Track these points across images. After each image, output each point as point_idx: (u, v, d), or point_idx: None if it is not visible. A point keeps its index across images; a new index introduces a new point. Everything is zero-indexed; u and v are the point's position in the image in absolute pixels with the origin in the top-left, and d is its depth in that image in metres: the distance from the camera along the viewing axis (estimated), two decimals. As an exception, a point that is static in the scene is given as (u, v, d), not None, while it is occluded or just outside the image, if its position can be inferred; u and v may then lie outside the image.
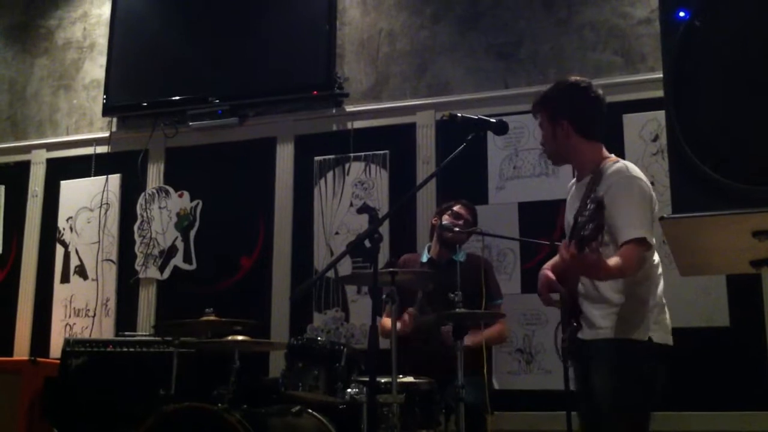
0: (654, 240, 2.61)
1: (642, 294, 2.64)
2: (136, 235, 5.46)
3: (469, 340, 3.60)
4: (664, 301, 2.71)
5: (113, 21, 5.72)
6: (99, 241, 5.49)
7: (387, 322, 3.84)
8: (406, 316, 3.74)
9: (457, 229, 3.94)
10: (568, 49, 4.78)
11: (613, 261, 2.48)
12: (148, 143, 5.50)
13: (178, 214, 5.41)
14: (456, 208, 4.10)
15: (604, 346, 2.63)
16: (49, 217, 5.68)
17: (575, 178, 2.92)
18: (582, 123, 2.79)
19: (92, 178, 5.61)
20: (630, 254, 2.52)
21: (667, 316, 2.71)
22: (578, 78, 2.90)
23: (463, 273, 3.56)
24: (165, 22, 5.66)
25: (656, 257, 2.72)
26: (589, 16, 4.79)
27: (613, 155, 2.82)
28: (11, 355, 5.43)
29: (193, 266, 5.31)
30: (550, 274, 2.78)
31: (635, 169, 2.71)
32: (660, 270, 2.72)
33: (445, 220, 4.04)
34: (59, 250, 5.60)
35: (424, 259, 4.13)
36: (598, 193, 2.58)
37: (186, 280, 5.29)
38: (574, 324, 2.67)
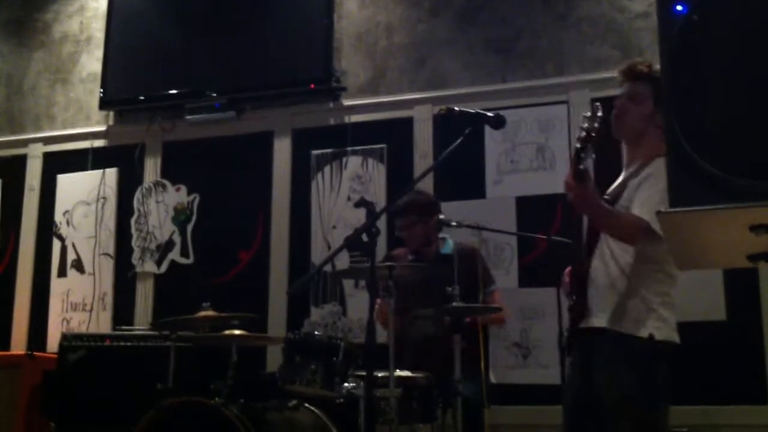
0: (660, 235, 2.57)
1: (649, 290, 2.62)
2: (133, 230, 5.45)
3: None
4: (672, 298, 2.66)
5: (110, 14, 5.70)
6: (96, 236, 5.49)
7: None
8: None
9: (454, 223, 3.93)
10: (566, 44, 4.77)
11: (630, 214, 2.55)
12: (145, 137, 5.49)
13: (175, 209, 5.40)
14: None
15: (605, 339, 2.62)
16: (46, 211, 5.67)
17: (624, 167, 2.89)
18: None
19: (89, 172, 5.60)
20: (634, 220, 2.54)
21: (673, 313, 2.65)
22: None
23: (458, 265, 3.55)
24: (162, 15, 5.65)
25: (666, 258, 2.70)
26: (587, 10, 4.78)
27: None
28: (8, 349, 5.43)
29: (191, 260, 5.31)
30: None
31: None
32: (674, 269, 2.65)
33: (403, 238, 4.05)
34: (56, 244, 5.59)
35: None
36: (634, 183, 2.61)
37: (183, 275, 5.29)
38: (574, 306, 2.68)
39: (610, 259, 2.67)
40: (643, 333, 2.58)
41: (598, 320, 2.65)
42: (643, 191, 2.61)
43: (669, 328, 2.63)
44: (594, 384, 2.62)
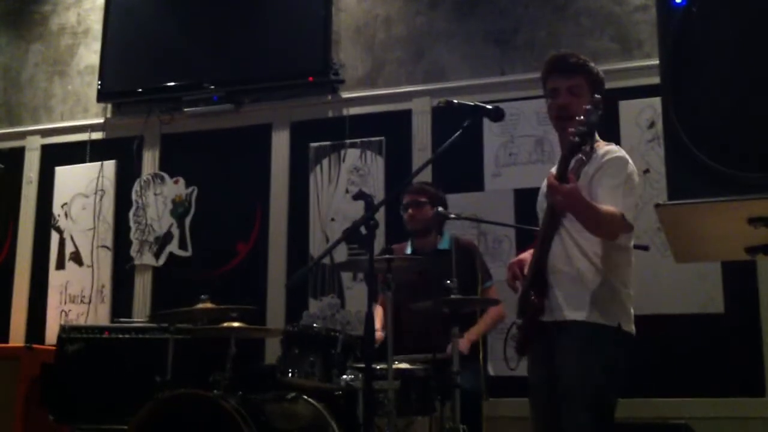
0: (632, 225, 2.58)
1: (618, 279, 2.62)
2: (131, 222, 5.45)
3: (467, 342, 3.62)
4: (632, 291, 2.69)
5: (108, 6, 5.69)
6: (94, 228, 5.48)
7: (379, 312, 3.87)
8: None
9: (452, 215, 3.93)
10: (565, 36, 4.76)
11: (605, 207, 2.48)
12: (143, 129, 5.48)
13: (173, 201, 5.40)
14: (405, 200, 4.07)
15: (575, 328, 2.59)
16: (44, 204, 5.67)
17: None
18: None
19: (87, 164, 5.60)
20: (614, 216, 2.51)
21: (632, 306, 2.68)
22: None
23: (456, 260, 3.55)
24: (160, 7, 5.63)
25: (631, 246, 2.72)
26: (585, 2, 4.77)
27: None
28: (7, 341, 5.43)
29: (189, 253, 5.31)
30: (525, 255, 2.80)
31: (627, 155, 2.71)
32: (633, 260, 2.72)
33: (405, 217, 4.03)
34: (54, 237, 5.59)
35: (409, 251, 4.11)
36: (588, 172, 2.58)
37: (182, 267, 5.29)
38: (533, 299, 2.63)
39: (575, 250, 2.63)
40: (613, 322, 2.59)
41: (568, 313, 2.61)
42: (605, 180, 2.58)
43: (630, 319, 2.65)
44: (561, 374, 2.59)
